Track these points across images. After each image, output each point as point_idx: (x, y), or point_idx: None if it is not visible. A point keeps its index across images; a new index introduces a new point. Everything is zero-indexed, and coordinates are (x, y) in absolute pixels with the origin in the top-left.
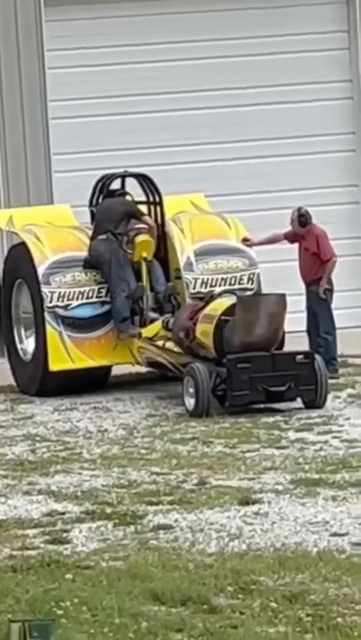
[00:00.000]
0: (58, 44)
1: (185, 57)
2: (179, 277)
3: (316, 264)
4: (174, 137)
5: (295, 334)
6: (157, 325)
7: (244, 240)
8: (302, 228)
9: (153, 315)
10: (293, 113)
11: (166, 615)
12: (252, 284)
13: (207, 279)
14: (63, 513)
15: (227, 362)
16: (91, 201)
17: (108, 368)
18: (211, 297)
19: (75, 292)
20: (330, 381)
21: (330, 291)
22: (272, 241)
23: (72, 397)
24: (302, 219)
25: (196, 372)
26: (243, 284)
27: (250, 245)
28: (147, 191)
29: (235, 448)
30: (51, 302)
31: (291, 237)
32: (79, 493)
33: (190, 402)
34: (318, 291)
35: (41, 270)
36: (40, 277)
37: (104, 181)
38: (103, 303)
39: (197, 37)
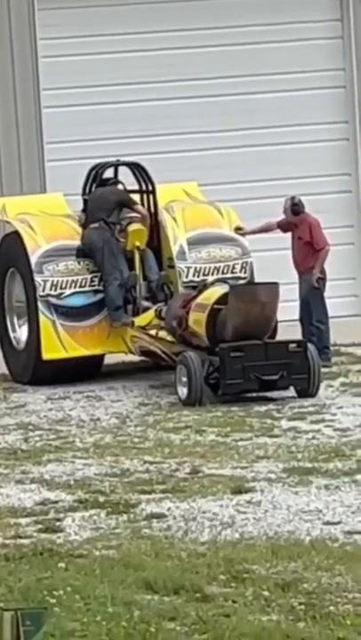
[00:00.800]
0: (50, 32)
1: (177, 46)
2: (171, 266)
3: (309, 253)
4: (167, 125)
5: (288, 323)
6: (150, 314)
7: (237, 229)
8: (295, 217)
9: (146, 303)
10: (286, 101)
11: (159, 604)
12: (244, 272)
13: (200, 268)
14: (56, 502)
15: (220, 350)
16: (84, 189)
17: (101, 357)
18: (203, 286)
19: (68, 281)
20: (323, 370)
21: (323, 279)
22: (265, 230)
23: (65, 386)
24: (295, 207)
25: (188, 361)
26: (235, 272)
27: (243, 234)
28: (140, 180)
29: (227, 437)
30: (44, 291)
31: (284, 226)
32: (72, 482)
33: (183, 391)
34: (311, 279)
35: (34, 259)
36: (33, 266)
37: (97, 170)
38: (96, 292)
39: (189, 26)
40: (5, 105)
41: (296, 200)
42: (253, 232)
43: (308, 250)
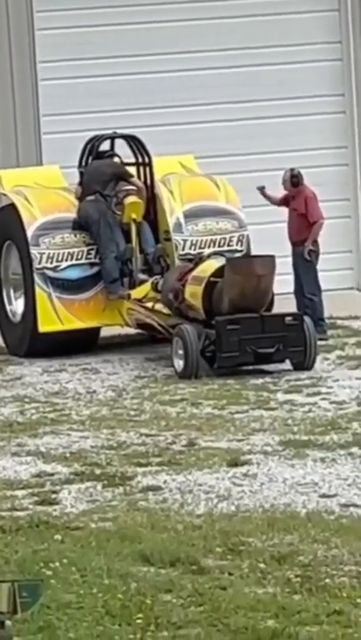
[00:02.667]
0: (47, 4)
1: (174, 18)
2: (168, 239)
3: (303, 225)
4: (164, 98)
5: (284, 296)
6: (146, 287)
7: (261, 188)
8: (293, 189)
9: (142, 276)
10: (283, 74)
11: (155, 576)
12: (241, 245)
13: (196, 241)
14: (52, 474)
15: (216, 323)
16: (80, 162)
17: (97, 329)
18: (200, 259)
19: (64, 254)
20: (319, 343)
21: (315, 252)
22: (279, 203)
23: (61, 359)
24: (294, 180)
25: (185, 334)
26: (232, 245)
27: (264, 194)
28: (136, 152)
29: (224, 409)
30: (40, 264)
31: (282, 201)
32: (68, 454)
33: (179, 363)
34: (303, 251)
35: (30, 231)
36: (29, 239)
37: (93, 143)
38: (92, 265)
39: None
40: (2, 78)
41: (295, 172)
42: (270, 199)
43: (303, 222)
